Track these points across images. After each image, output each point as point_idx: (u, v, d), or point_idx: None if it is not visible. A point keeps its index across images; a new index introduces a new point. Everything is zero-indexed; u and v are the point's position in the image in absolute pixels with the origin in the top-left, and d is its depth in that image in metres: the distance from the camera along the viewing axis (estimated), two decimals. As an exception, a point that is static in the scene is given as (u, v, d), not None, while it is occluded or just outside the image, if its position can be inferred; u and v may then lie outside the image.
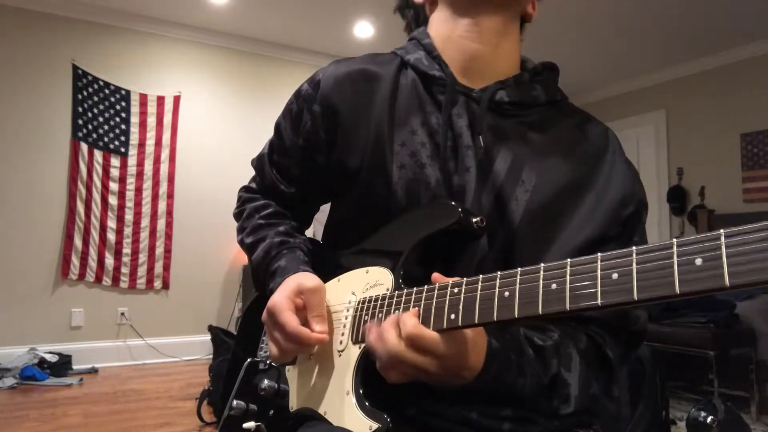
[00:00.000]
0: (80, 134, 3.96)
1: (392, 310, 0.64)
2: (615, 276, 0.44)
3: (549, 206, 0.72)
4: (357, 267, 0.75)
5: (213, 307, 4.39)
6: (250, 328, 0.90)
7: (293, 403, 0.74)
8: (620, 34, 4.30)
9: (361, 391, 0.64)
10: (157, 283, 4.19)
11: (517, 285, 0.51)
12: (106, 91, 4.08)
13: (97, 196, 3.99)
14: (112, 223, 4.03)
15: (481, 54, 0.78)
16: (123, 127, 4.12)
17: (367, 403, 0.63)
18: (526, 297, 0.50)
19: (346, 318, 0.71)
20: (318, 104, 0.80)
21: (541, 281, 0.49)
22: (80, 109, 3.97)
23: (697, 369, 3.06)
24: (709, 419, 2.04)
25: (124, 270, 4.06)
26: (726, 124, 4.57)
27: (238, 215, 0.93)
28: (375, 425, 0.60)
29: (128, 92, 4.15)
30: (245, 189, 0.95)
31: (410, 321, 0.58)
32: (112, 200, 4.04)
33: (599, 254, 0.46)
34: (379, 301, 0.67)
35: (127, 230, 4.08)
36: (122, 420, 2.71)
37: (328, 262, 0.80)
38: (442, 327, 0.57)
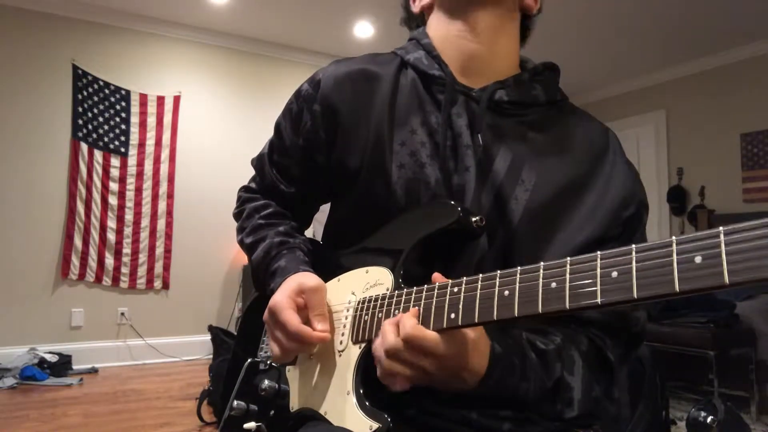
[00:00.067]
0: (80, 134, 3.96)
1: (392, 310, 0.64)
2: (615, 274, 0.44)
3: (549, 206, 0.72)
4: (357, 267, 0.75)
5: (213, 307, 4.39)
6: (250, 328, 0.90)
7: (294, 404, 0.74)
8: (620, 34, 4.30)
9: (361, 391, 0.64)
10: (157, 283, 4.19)
11: (517, 284, 0.51)
12: (106, 91, 4.08)
13: (97, 196, 3.99)
14: (112, 223, 4.03)
15: (478, 53, 0.78)
16: (123, 127, 4.12)
17: (367, 403, 0.63)
18: (526, 296, 0.50)
19: (346, 318, 0.71)
20: (318, 104, 0.80)
21: (540, 280, 0.49)
22: (80, 109, 3.97)
23: (697, 369, 3.06)
24: (709, 419, 2.04)
25: (124, 270, 4.06)
26: (726, 124, 4.57)
27: (237, 215, 0.93)
28: (375, 425, 0.60)
29: (128, 92, 4.15)
30: (245, 189, 0.95)
31: (410, 321, 0.58)
32: (112, 200, 4.04)
33: (599, 252, 0.46)
34: (379, 301, 0.67)
35: (127, 230, 4.08)
36: (122, 420, 2.71)
37: (328, 262, 0.80)
38: (443, 326, 0.57)
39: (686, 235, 0.41)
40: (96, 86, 4.04)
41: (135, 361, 4.05)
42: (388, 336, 0.59)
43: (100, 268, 3.97)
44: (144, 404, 2.99)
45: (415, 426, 0.68)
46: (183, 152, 4.33)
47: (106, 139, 4.05)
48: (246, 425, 0.74)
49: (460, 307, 0.56)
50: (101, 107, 4.05)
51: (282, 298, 0.71)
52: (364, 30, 4.39)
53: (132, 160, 4.13)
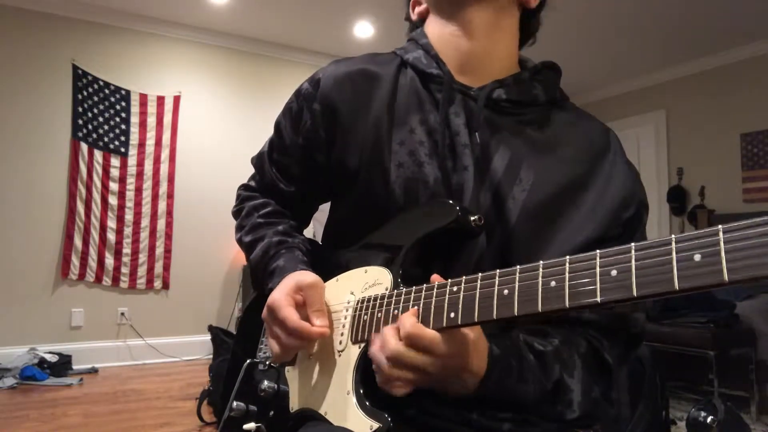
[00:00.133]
0: (80, 134, 3.96)
1: (391, 310, 0.64)
2: (614, 273, 0.44)
3: (547, 205, 0.72)
4: (355, 266, 0.75)
5: (213, 307, 4.39)
6: (249, 327, 0.90)
7: (293, 404, 0.74)
8: (620, 34, 4.30)
9: (361, 391, 0.64)
10: (157, 283, 4.19)
11: (517, 283, 0.51)
12: (106, 91, 4.08)
13: (97, 196, 3.99)
14: (112, 223, 4.03)
15: (475, 52, 0.77)
16: (123, 127, 4.12)
17: (367, 403, 0.63)
18: (526, 294, 0.50)
19: (346, 318, 0.71)
20: (318, 103, 0.80)
21: (540, 279, 0.49)
22: (80, 109, 3.97)
23: (697, 369, 3.06)
24: (709, 419, 2.04)
25: (124, 270, 4.06)
26: (726, 124, 4.57)
27: (236, 213, 0.93)
28: (376, 425, 0.60)
29: (128, 92, 4.15)
30: (244, 187, 0.95)
31: (409, 320, 0.58)
32: (112, 200, 4.04)
33: (598, 251, 0.46)
34: (378, 301, 0.67)
35: (127, 230, 4.08)
36: (122, 420, 2.71)
37: (327, 262, 0.80)
38: (442, 326, 0.57)
39: (685, 233, 0.41)
40: (96, 86, 4.04)
41: (135, 361, 4.05)
42: (389, 341, 0.59)
43: (100, 268, 3.97)
44: (144, 404, 2.99)
45: (415, 426, 0.68)
46: (183, 152, 4.33)
47: (106, 139, 4.05)
48: (246, 426, 0.74)
49: (460, 306, 0.56)
50: (101, 107, 4.05)
51: (280, 295, 0.71)
52: (364, 30, 4.39)
53: (132, 160, 4.13)
